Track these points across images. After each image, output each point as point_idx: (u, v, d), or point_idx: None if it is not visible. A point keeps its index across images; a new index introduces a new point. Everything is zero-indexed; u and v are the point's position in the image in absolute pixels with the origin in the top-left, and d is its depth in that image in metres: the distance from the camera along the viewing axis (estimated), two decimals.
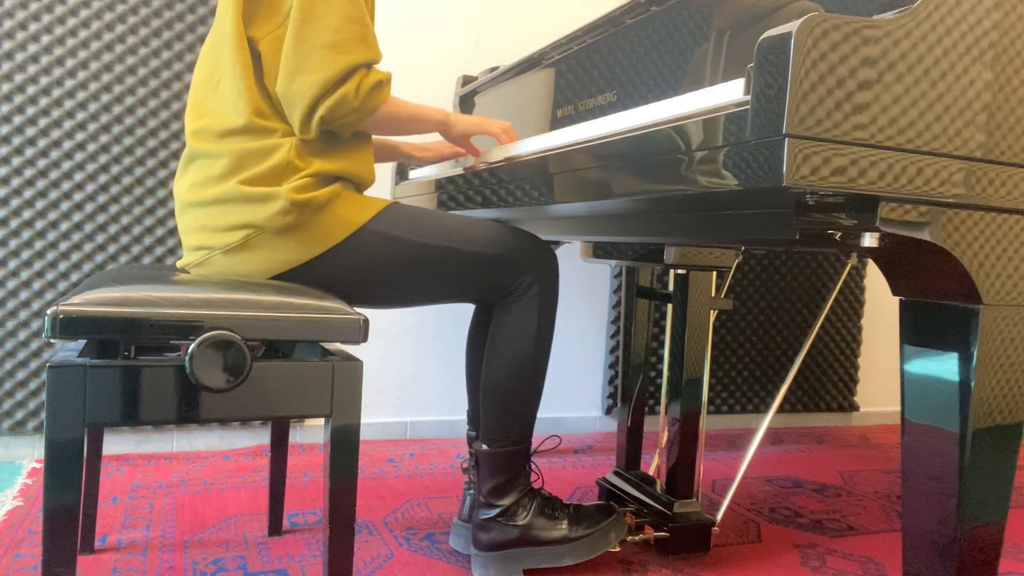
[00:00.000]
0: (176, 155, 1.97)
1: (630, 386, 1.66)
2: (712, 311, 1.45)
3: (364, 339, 1.03)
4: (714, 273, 1.44)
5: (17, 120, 1.85)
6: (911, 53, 0.78)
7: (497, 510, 1.29)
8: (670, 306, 1.48)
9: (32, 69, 1.85)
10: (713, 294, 1.45)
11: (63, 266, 1.90)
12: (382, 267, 1.20)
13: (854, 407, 2.80)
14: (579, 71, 1.49)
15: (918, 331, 0.92)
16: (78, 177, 1.90)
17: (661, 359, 2.46)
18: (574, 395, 2.46)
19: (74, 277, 1.91)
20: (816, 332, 2.28)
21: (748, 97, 0.77)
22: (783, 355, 2.66)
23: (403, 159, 1.62)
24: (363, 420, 2.23)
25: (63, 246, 1.90)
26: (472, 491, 1.41)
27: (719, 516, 1.45)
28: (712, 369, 2.57)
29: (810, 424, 2.77)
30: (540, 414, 2.40)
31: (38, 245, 1.88)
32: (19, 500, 1.61)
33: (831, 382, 2.75)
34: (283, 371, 0.98)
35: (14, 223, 1.86)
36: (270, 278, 1.16)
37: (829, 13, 0.75)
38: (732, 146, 0.79)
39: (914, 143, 0.79)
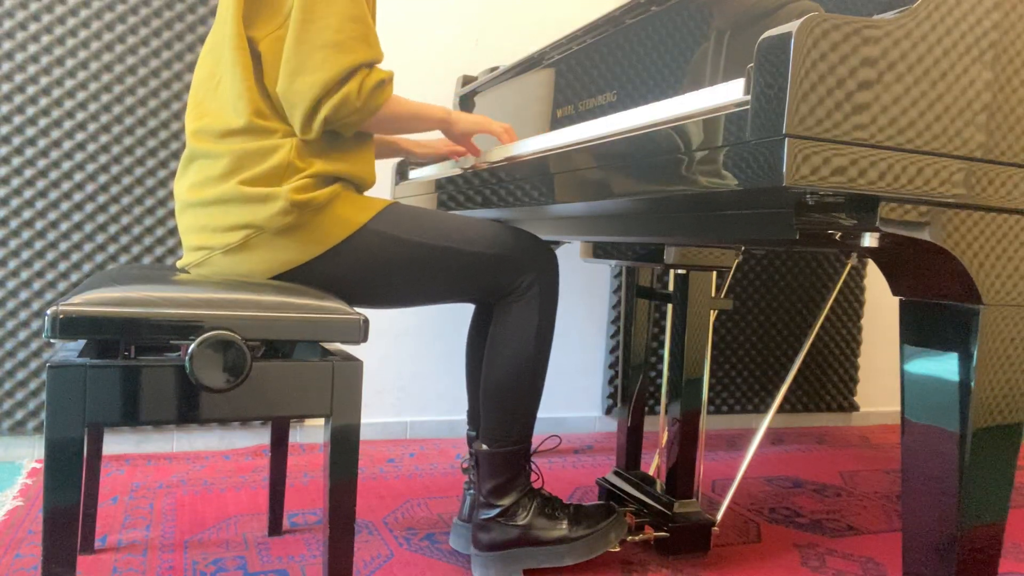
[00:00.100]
0: (176, 155, 1.97)
1: (630, 386, 1.66)
2: (712, 311, 1.45)
3: (364, 339, 1.03)
4: (714, 273, 1.44)
5: (17, 120, 1.85)
6: (911, 53, 0.78)
7: (497, 510, 1.29)
8: (670, 306, 1.48)
9: (32, 69, 1.85)
10: (713, 294, 1.45)
11: (63, 266, 1.90)
12: (382, 267, 1.20)
13: (854, 407, 2.80)
14: (579, 71, 1.49)
15: (918, 331, 0.92)
16: (78, 177, 1.90)
17: (661, 359, 2.46)
18: (574, 395, 2.46)
19: (74, 277, 1.91)
20: (816, 332, 2.28)
21: (748, 97, 0.77)
22: (783, 355, 2.66)
23: (401, 155, 1.62)
24: (363, 420, 2.23)
25: (63, 246, 1.90)
26: (472, 491, 1.41)
27: (719, 516, 1.45)
28: (712, 369, 2.57)
29: (810, 424, 2.77)
30: (540, 414, 2.40)
31: (38, 245, 1.88)
32: (19, 500, 1.61)
33: (831, 382, 2.75)
34: (283, 371, 0.98)
35: (14, 223, 1.86)
36: (270, 278, 1.16)
37: (829, 13, 0.75)
38: (732, 146, 0.79)
39: (914, 143, 0.79)
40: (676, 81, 1.21)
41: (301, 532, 1.51)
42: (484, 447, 1.31)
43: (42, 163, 1.87)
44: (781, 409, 2.71)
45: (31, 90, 1.85)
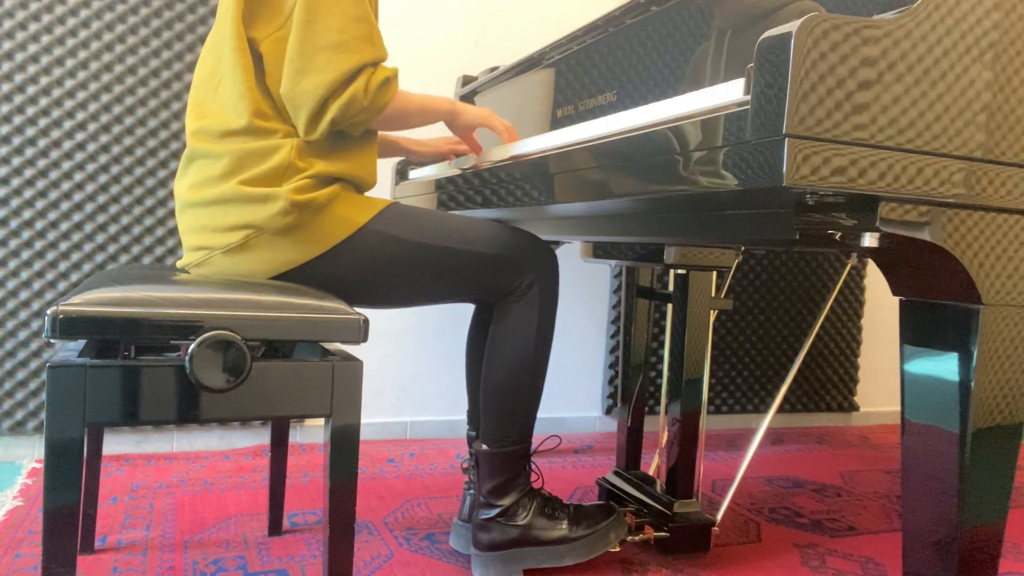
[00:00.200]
0: (176, 155, 1.97)
1: (630, 386, 1.66)
2: (712, 311, 1.45)
3: (364, 339, 1.03)
4: (714, 273, 1.44)
5: (17, 120, 1.85)
6: (911, 53, 0.78)
7: (497, 510, 1.29)
8: (670, 306, 1.48)
9: (32, 69, 1.85)
10: (713, 294, 1.45)
11: (63, 266, 1.90)
12: (382, 267, 1.20)
13: (854, 407, 2.80)
14: (579, 71, 1.49)
15: (918, 331, 0.92)
16: (78, 177, 1.90)
17: (661, 359, 2.46)
18: (574, 395, 2.46)
19: (74, 277, 1.91)
20: (816, 332, 2.28)
21: (748, 97, 0.77)
22: (783, 355, 2.66)
23: (402, 154, 1.62)
24: (363, 420, 2.23)
25: (63, 246, 1.90)
26: (472, 491, 1.41)
27: (719, 516, 1.45)
28: (712, 369, 2.57)
29: (810, 424, 2.77)
30: (540, 414, 2.40)
31: (38, 245, 1.88)
32: (19, 500, 1.61)
33: (831, 382, 2.75)
34: (283, 371, 0.98)
35: (14, 223, 1.86)
36: (270, 278, 1.16)
37: (829, 13, 0.75)
38: (732, 146, 0.79)
39: (914, 143, 0.79)
40: (676, 81, 1.21)
41: (301, 532, 1.51)
42: (484, 447, 1.31)
43: (42, 163, 1.87)
44: (781, 409, 2.71)
45: (31, 90, 1.85)
